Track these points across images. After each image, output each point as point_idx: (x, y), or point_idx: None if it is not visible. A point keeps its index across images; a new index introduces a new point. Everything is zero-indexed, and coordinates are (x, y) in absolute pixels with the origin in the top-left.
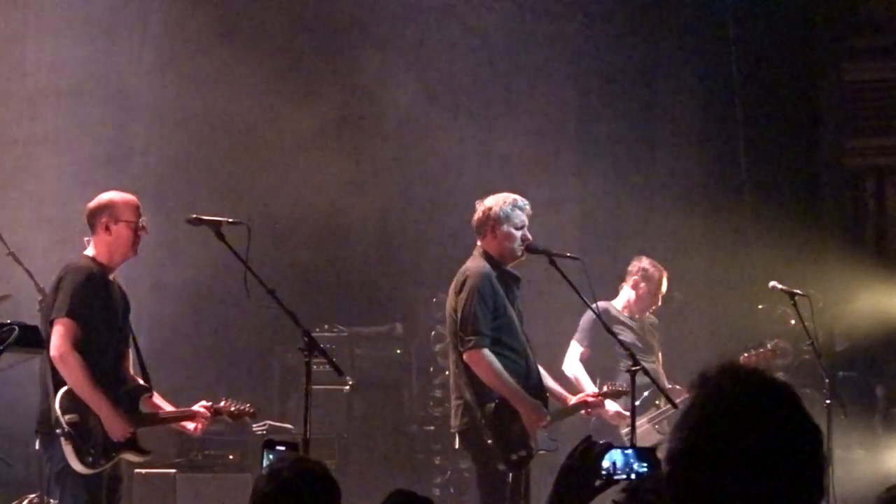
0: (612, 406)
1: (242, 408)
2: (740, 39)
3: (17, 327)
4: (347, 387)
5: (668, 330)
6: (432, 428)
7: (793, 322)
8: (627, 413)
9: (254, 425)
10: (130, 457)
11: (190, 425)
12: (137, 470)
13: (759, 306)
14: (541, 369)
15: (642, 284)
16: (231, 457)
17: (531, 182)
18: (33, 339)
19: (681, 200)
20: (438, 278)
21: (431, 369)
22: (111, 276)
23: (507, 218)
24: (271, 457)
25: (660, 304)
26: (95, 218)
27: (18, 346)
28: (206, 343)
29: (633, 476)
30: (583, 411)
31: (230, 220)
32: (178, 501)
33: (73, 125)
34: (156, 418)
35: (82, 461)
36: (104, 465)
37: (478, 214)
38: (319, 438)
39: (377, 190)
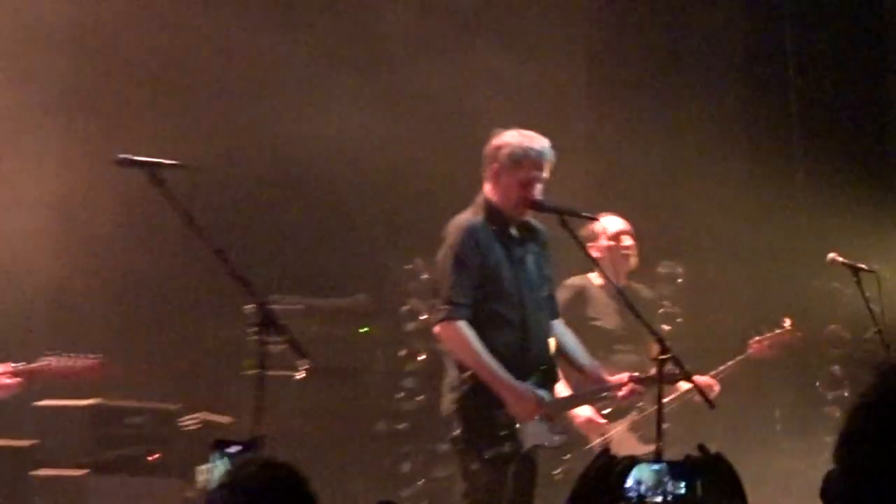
0: (583, 411)
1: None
2: None
3: None
4: (300, 373)
5: (695, 310)
6: (403, 425)
7: (853, 304)
8: (603, 421)
9: (183, 418)
10: None
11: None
12: (35, 472)
13: (812, 282)
14: (572, 344)
15: (599, 244)
16: (152, 456)
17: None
18: None
19: (714, 153)
20: (415, 239)
21: (403, 353)
22: None
23: (515, 166)
24: (224, 460)
25: (635, 263)
26: None
27: None
28: (118, 311)
29: (669, 498)
30: (619, 393)
31: (169, 161)
32: None
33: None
34: None
35: None
36: None
37: (487, 147)
38: (260, 436)
39: (342, 129)
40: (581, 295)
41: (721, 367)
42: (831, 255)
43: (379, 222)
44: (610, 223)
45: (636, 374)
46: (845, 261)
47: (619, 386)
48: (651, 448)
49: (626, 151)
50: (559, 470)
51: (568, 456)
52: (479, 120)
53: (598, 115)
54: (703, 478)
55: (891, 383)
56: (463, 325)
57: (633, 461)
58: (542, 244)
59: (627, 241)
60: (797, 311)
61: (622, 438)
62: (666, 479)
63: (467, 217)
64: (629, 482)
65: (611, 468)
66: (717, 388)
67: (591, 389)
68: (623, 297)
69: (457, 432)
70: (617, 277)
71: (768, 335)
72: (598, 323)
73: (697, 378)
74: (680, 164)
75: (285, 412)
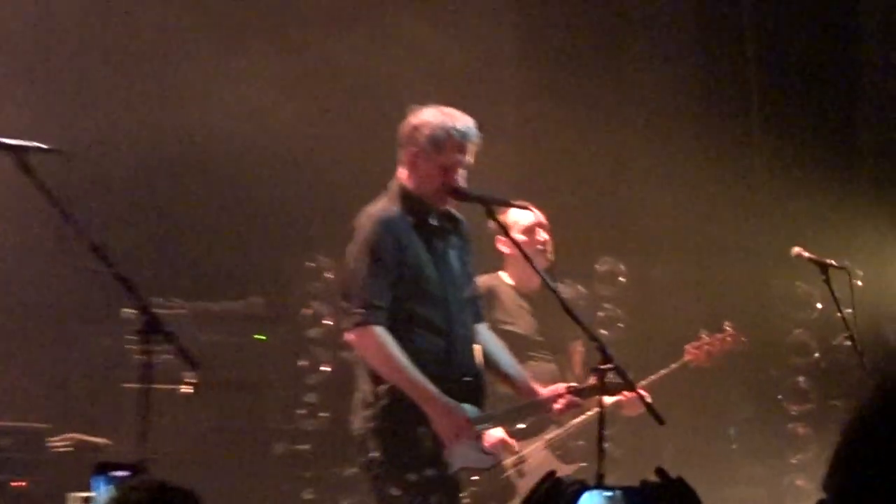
0: (494, 432)
1: None
2: None
3: None
4: (188, 387)
5: (642, 312)
6: (305, 447)
7: (820, 306)
8: (514, 444)
9: (52, 439)
10: None
11: None
12: None
13: (774, 281)
14: (498, 351)
15: (510, 240)
16: (16, 483)
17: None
18: None
19: (662, 137)
20: (318, 235)
21: (305, 363)
22: None
23: (435, 149)
24: (108, 487)
25: (551, 257)
26: None
27: None
28: None
29: None
30: (556, 406)
31: (40, 145)
32: None
33: None
34: None
35: None
36: None
37: (403, 127)
38: (146, 459)
39: (238, 108)
40: (490, 296)
41: (652, 377)
42: (796, 250)
43: (278, 214)
44: (521, 215)
45: (573, 384)
46: (812, 256)
47: (555, 399)
48: (573, 468)
49: (562, 133)
50: (465, 494)
51: (476, 478)
52: (396, 97)
53: (530, 92)
54: None
55: (893, 398)
56: (380, 331)
57: (582, 486)
58: (464, 237)
59: (542, 235)
60: (757, 313)
61: (539, 458)
62: None
63: (381, 207)
64: None
65: (557, 493)
66: (648, 399)
67: (523, 404)
68: (560, 299)
69: (373, 454)
70: (529, 276)
71: (706, 340)
72: (509, 327)
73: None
74: (623, 149)
75: (171, 432)
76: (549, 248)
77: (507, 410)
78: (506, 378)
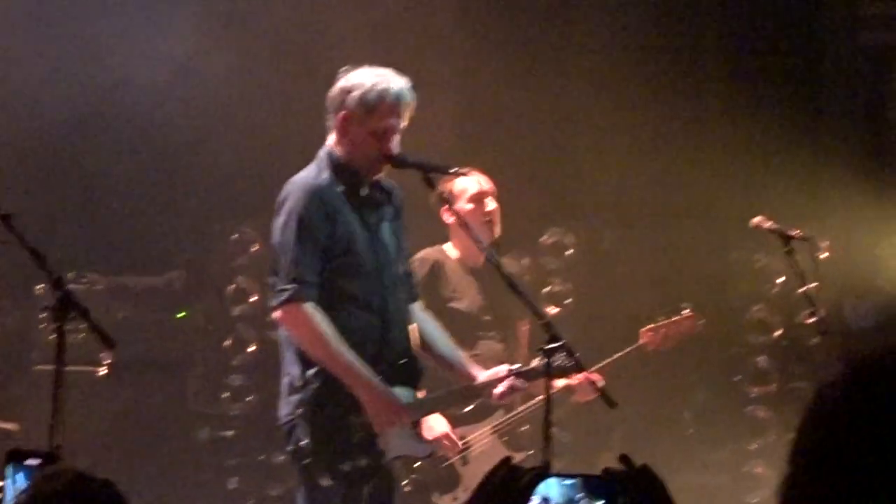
0: (438, 425)
1: None
2: None
3: None
4: (105, 368)
5: (592, 287)
6: (229, 433)
7: (781, 280)
8: (457, 440)
9: None
10: None
11: None
12: None
13: (732, 254)
14: (436, 332)
15: (457, 207)
16: None
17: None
18: None
19: (613, 98)
20: (244, 204)
21: (229, 343)
22: None
23: (367, 112)
24: (21, 475)
25: (498, 232)
26: None
27: None
28: None
29: None
30: (496, 391)
31: None
32: None
33: None
34: None
35: None
36: None
37: (333, 90)
38: (60, 446)
39: (153, 63)
40: (435, 271)
41: (604, 361)
42: (756, 220)
43: (201, 181)
44: (467, 183)
45: (516, 366)
46: (773, 226)
47: (496, 382)
48: (521, 456)
49: (505, 93)
50: (406, 482)
51: (418, 464)
52: (325, 56)
53: (470, 47)
54: (627, 496)
55: (866, 383)
56: (311, 309)
57: (540, 474)
58: (397, 208)
59: (491, 204)
60: (714, 288)
61: (485, 445)
62: (580, 496)
63: (310, 175)
64: (535, 500)
65: (513, 482)
66: (600, 383)
67: (461, 388)
68: (503, 274)
69: (303, 442)
70: (476, 249)
71: (663, 323)
72: (454, 304)
73: (587, 373)
74: (572, 110)
75: (86, 416)
76: (497, 218)
77: (444, 395)
78: (442, 361)
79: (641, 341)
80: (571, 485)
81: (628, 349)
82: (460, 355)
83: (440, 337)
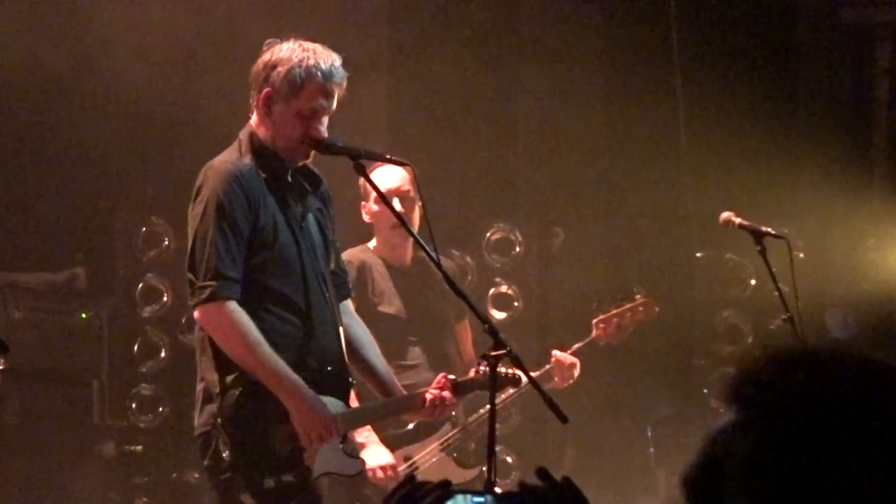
0: (378, 456)
1: None
2: None
3: None
4: None
5: (541, 289)
6: (137, 448)
7: (754, 282)
8: (393, 461)
9: None
10: None
11: None
12: None
13: (698, 254)
14: (365, 338)
15: (370, 206)
16: None
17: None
18: None
19: (566, 78)
20: (155, 190)
21: (136, 347)
22: None
23: (293, 92)
24: None
25: (418, 222)
26: None
27: None
28: None
29: None
30: (420, 412)
31: None
32: None
33: None
34: None
35: None
36: None
37: (257, 65)
38: None
39: (56, 31)
40: (362, 273)
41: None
42: (726, 215)
43: (105, 166)
44: (386, 175)
45: (450, 377)
46: (744, 222)
47: (422, 396)
48: (472, 473)
49: (444, 76)
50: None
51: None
52: (248, 28)
53: (407, 27)
54: None
55: (792, 380)
56: (234, 307)
57: (446, 490)
58: (325, 199)
59: (398, 205)
60: (678, 292)
61: (433, 463)
62: None
63: (229, 159)
64: None
65: (417, 499)
66: (576, 367)
67: (392, 400)
68: (443, 272)
69: (224, 454)
70: (401, 247)
71: (615, 312)
72: (383, 308)
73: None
74: (520, 93)
75: None
76: (414, 218)
77: (378, 405)
78: (365, 369)
79: (594, 334)
80: (482, 502)
81: (581, 343)
82: (387, 367)
83: (367, 343)
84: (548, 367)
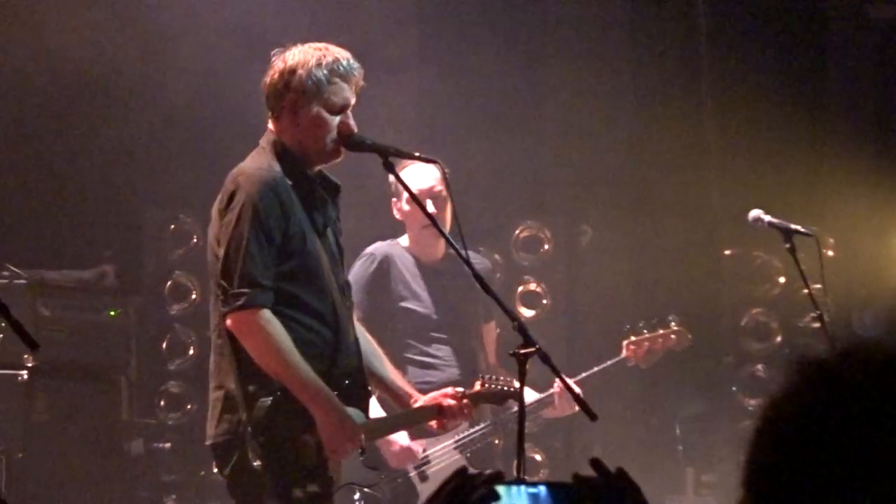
0: (399, 438)
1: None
2: None
3: None
4: (25, 372)
5: (570, 286)
6: (166, 445)
7: (782, 280)
8: (419, 449)
9: None
10: None
11: None
12: None
13: (726, 252)
14: (369, 348)
15: (401, 204)
16: None
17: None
18: None
19: (597, 78)
20: (182, 187)
21: (165, 344)
22: None
23: (317, 90)
24: None
25: (449, 220)
26: None
27: None
28: None
29: None
30: (433, 422)
31: None
32: None
33: None
34: None
35: None
36: None
37: (271, 76)
38: None
39: (83, 33)
40: (387, 267)
41: (584, 374)
42: (755, 213)
43: (134, 163)
44: (418, 174)
45: (460, 390)
46: (773, 220)
47: (438, 406)
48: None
49: (473, 71)
50: (358, 495)
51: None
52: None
53: (435, 20)
54: None
55: (820, 389)
56: (268, 316)
57: (497, 482)
58: (338, 209)
59: (431, 206)
60: (706, 289)
61: (447, 461)
62: None
63: (262, 165)
64: None
65: (467, 492)
66: (576, 390)
67: (410, 412)
68: (473, 270)
69: (255, 464)
70: (431, 243)
71: (647, 336)
72: (409, 305)
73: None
74: (548, 90)
75: (4, 425)
76: (447, 218)
77: (394, 418)
78: (379, 382)
79: (623, 354)
80: (535, 494)
81: (608, 363)
82: (395, 376)
83: (374, 353)
84: (551, 391)
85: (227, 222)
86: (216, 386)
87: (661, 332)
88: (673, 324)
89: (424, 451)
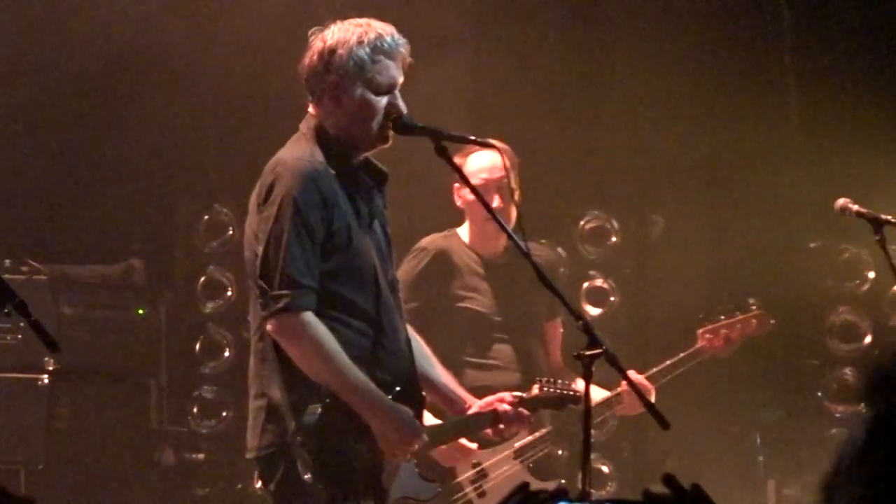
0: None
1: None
2: None
3: None
4: (45, 376)
5: (640, 282)
6: (199, 456)
7: (872, 275)
8: (473, 446)
9: None
10: None
11: None
12: None
13: (811, 244)
14: (419, 349)
15: (465, 193)
16: None
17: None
18: None
19: (665, 55)
20: (216, 177)
21: (198, 346)
22: None
23: (360, 70)
24: None
25: (515, 211)
26: None
27: None
28: None
29: None
30: (488, 430)
31: None
32: None
33: None
34: None
35: None
36: None
37: (310, 57)
38: None
39: (114, 15)
40: (444, 262)
41: (657, 368)
42: (842, 202)
43: (165, 150)
44: (480, 159)
45: (517, 394)
46: (862, 210)
47: (494, 412)
48: (548, 484)
49: (532, 49)
50: None
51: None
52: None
53: (490, 2)
54: None
55: None
56: (312, 319)
57: (562, 499)
58: (385, 199)
59: (496, 200)
60: (789, 286)
61: (505, 472)
62: None
63: (303, 154)
64: None
65: None
66: (652, 393)
67: (469, 418)
68: (534, 265)
69: (306, 476)
70: (491, 235)
71: (724, 322)
72: (467, 304)
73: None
74: (616, 73)
75: (25, 432)
76: (510, 213)
77: (453, 424)
78: (431, 387)
79: (699, 344)
80: None
81: (683, 354)
82: (445, 375)
83: (425, 356)
84: (618, 390)
85: (265, 217)
86: (258, 393)
87: (739, 316)
88: (754, 307)
89: (479, 463)
